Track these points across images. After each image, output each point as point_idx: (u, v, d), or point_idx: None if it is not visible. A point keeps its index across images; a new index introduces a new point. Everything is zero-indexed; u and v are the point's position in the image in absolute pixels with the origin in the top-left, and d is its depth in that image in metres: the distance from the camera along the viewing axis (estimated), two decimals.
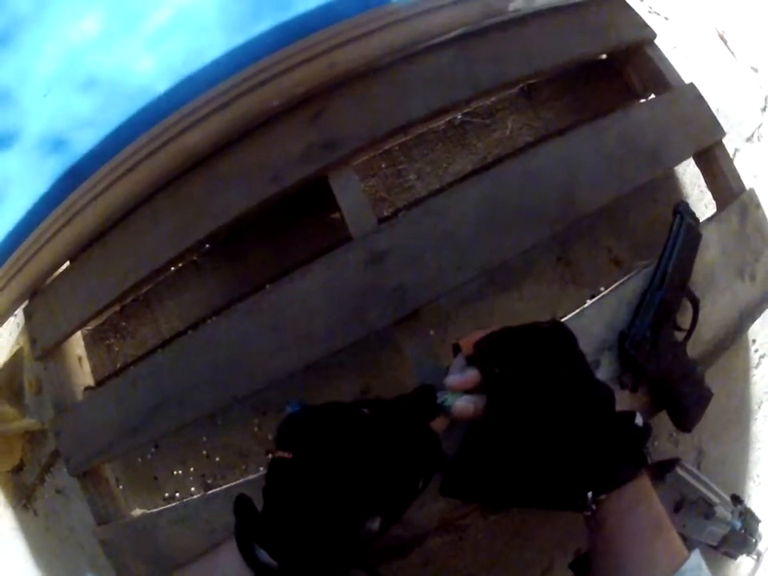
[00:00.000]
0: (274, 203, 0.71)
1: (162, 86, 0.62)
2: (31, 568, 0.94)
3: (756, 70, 1.11)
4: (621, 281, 0.71)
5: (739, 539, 0.86)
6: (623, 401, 0.66)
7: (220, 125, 0.68)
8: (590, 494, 0.46)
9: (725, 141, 0.83)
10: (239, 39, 0.61)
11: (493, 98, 0.81)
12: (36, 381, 0.86)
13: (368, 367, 0.72)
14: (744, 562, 0.96)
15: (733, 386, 0.91)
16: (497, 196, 0.65)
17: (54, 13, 0.54)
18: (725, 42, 1.10)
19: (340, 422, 0.46)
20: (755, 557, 0.93)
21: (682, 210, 0.70)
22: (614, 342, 0.66)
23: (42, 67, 0.56)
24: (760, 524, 0.90)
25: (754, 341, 0.94)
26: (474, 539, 0.76)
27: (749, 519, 0.87)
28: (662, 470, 0.71)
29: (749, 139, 1.03)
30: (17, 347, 0.89)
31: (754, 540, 0.90)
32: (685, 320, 0.70)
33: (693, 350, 0.70)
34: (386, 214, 0.78)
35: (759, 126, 1.05)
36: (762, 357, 0.94)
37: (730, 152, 0.97)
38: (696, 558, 0.46)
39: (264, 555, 0.41)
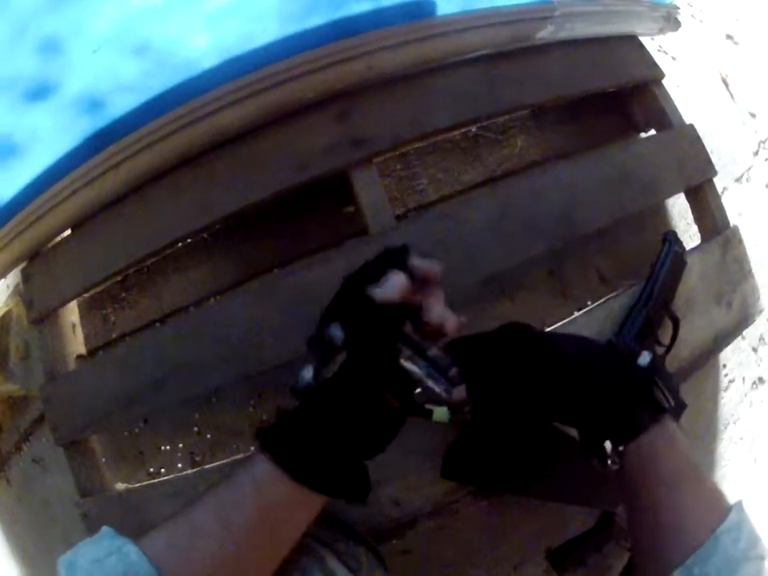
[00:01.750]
0: (296, 192, 0.77)
1: (209, 62, 0.67)
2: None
3: (754, 116, 1.25)
4: (609, 296, 0.81)
5: None
6: None
7: (253, 108, 0.73)
8: (607, 446, 0.47)
9: (715, 179, 0.95)
10: (290, 29, 0.67)
11: (506, 116, 0.90)
12: (24, 345, 0.87)
13: None
14: None
15: (703, 405, 1.02)
16: (506, 208, 0.74)
17: None
18: (726, 86, 1.24)
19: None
20: None
21: (671, 238, 0.81)
22: None
23: (98, 24, 0.59)
24: None
25: (724, 365, 1.05)
26: (455, 529, 0.83)
27: None
28: None
29: (738, 180, 1.16)
30: (5, 309, 0.89)
31: None
32: (665, 337, 0.80)
33: (670, 365, 0.80)
34: (397, 213, 0.85)
35: (749, 169, 1.19)
36: (731, 381, 1.06)
37: (719, 190, 1.10)
38: (738, 514, 0.43)
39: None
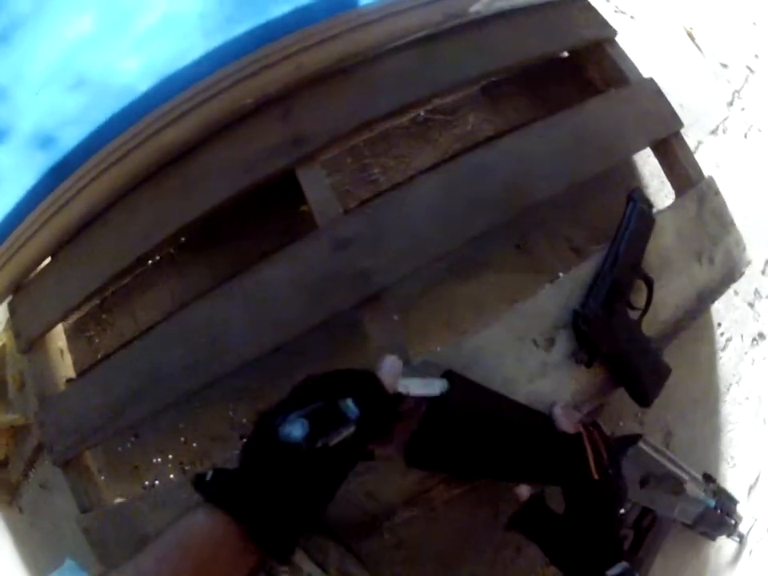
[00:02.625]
0: (248, 195, 0.80)
1: (144, 86, 0.72)
2: (19, 566, 1.00)
3: (725, 66, 1.23)
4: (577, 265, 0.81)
5: (715, 519, 0.93)
6: (580, 377, 0.75)
7: (197, 122, 0.78)
8: None
9: (688, 133, 0.93)
10: (217, 42, 0.71)
11: (455, 96, 0.92)
12: (19, 376, 0.95)
13: (336, 349, 0.82)
14: (726, 545, 1.03)
15: (698, 369, 1.01)
16: (451, 187, 0.76)
17: (51, 13, 0.63)
18: (692, 39, 1.22)
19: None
20: (737, 539, 1.00)
21: (636, 197, 0.79)
22: (569, 321, 0.75)
23: (36, 66, 0.66)
24: (738, 505, 0.97)
25: (719, 324, 1.03)
26: (444, 519, 0.84)
27: (724, 499, 0.93)
28: (625, 444, 0.76)
29: (713, 132, 1.14)
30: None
31: (733, 521, 0.97)
32: (640, 300, 0.79)
33: (650, 329, 0.79)
34: (351, 206, 0.88)
35: (725, 120, 1.17)
36: (728, 340, 1.04)
37: (693, 144, 1.08)
38: None
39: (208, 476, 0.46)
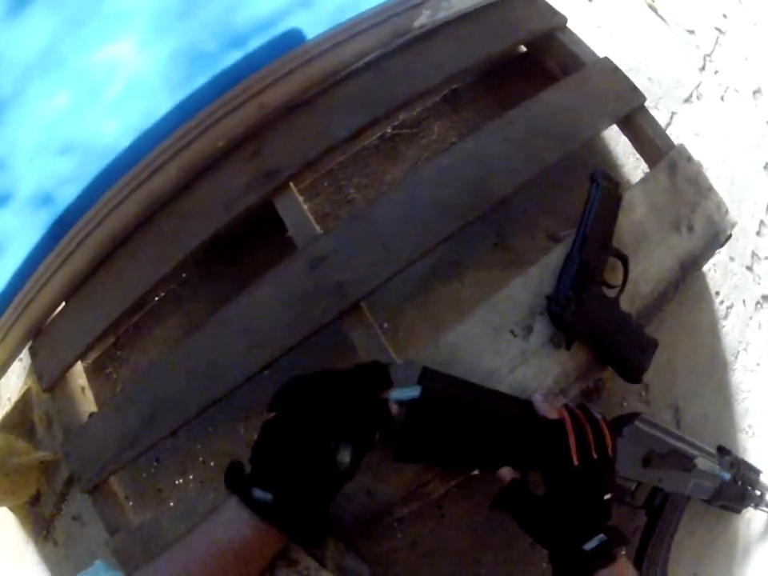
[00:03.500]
0: (236, 228, 0.89)
1: (125, 143, 0.82)
2: None
3: (692, 32, 1.24)
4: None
5: (736, 491, 0.93)
6: (563, 361, 0.78)
7: (177, 169, 0.87)
8: None
9: (659, 105, 0.95)
10: (181, 96, 0.81)
11: (418, 108, 0.99)
12: (45, 415, 1.05)
13: (327, 359, 0.88)
14: (756, 517, 1.04)
15: (701, 341, 1.01)
16: (415, 195, 0.82)
17: (31, 94, 0.74)
18: (655, 11, 1.24)
19: (308, 385, 0.60)
20: (766, 509, 1.01)
21: (597, 177, 0.82)
22: (544, 307, 0.78)
23: (26, 138, 0.77)
24: (761, 475, 0.97)
25: (717, 293, 1.03)
26: (455, 515, 0.88)
27: (744, 470, 0.93)
28: (619, 425, 0.77)
29: (687, 100, 1.15)
30: (25, 387, 1.09)
31: (758, 492, 0.97)
32: (618, 277, 0.81)
33: (632, 305, 0.82)
34: (331, 226, 0.95)
35: (698, 86, 1.17)
36: (729, 308, 1.04)
37: (667, 115, 1.09)
38: None
39: (259, 493, 0.53)
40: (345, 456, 0.56)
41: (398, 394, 0.63)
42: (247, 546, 0.53)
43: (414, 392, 0.64)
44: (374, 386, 0.63)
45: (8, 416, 1.09)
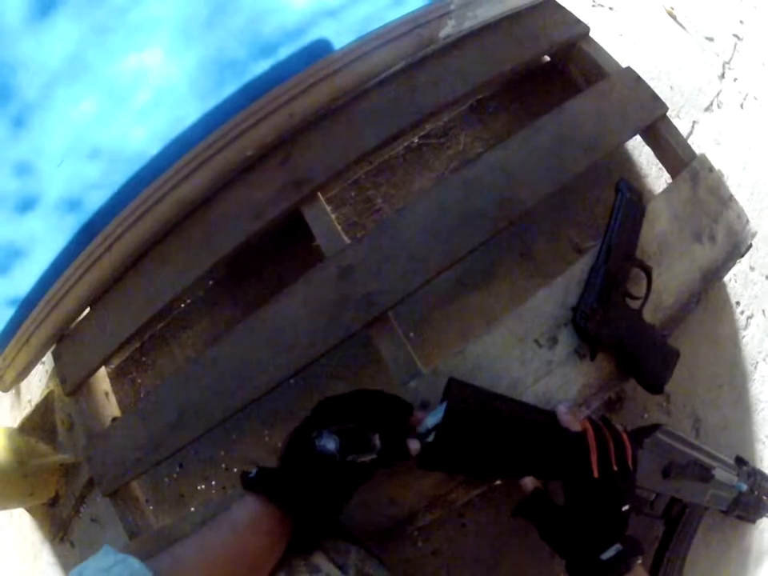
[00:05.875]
0: (264, 236, 0.91)
1: (154, 150, 0.85)
2: None
3: (711, 39, 1.26)
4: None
5: (752, 502, 0.95)
6: (587, 372, 0.80)
7: (207, 176, 0.90)
8: None
9: (681, 114, 0.96)
10: (211, 104, 0.83)
11: (444, 118, 1.01)
12: (67, 418, 1.08)
13: (353, 367, 0.91)
14: None
15: (721, 351, 1.03)
16: (442, 206, 0.84)
17: (57, 100, 0.77)
18: (674, 18, 1.26)
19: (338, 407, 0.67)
20: None
21: (622, 188, 0.83)
22: (569, 318, 0.80)
23: (53, 143, 0.78)
24: None
25: (737, 303, 1.05)
26: (476, 524, 0.90)
27: (760, 481, 0.95)
28: (641, 436, 0.79)
29: (708, 108, 1.17)
30: (47, 390, 1.11)
31: None
32: (642, 289, 0.82)
33: (655, 315, 0.83)
34: (359, 236, 0.97)
35: (718, 94, 1.19)
36: (749, 318, 1.06)
37: (688, 124, 1.11)
38: None
39: (251, 474, 0.62)
40: (328, 443, 0.62)
41: (428, 420, 0.67)
42: (243, 521, 0.61)
43: (437, 415, 0.67)
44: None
45: (29, 418, 1.11)
